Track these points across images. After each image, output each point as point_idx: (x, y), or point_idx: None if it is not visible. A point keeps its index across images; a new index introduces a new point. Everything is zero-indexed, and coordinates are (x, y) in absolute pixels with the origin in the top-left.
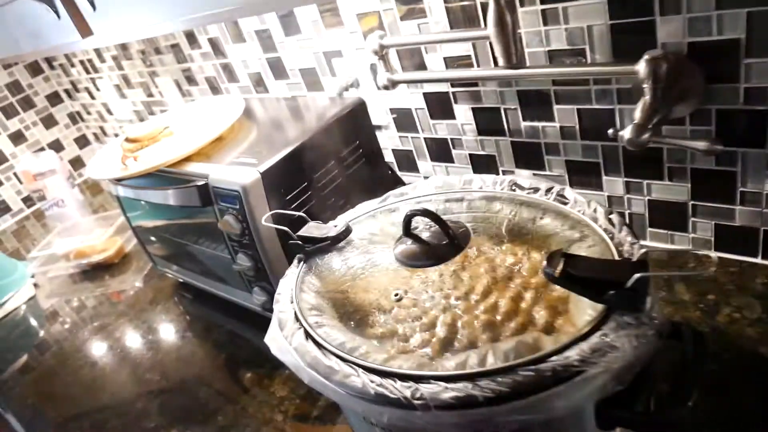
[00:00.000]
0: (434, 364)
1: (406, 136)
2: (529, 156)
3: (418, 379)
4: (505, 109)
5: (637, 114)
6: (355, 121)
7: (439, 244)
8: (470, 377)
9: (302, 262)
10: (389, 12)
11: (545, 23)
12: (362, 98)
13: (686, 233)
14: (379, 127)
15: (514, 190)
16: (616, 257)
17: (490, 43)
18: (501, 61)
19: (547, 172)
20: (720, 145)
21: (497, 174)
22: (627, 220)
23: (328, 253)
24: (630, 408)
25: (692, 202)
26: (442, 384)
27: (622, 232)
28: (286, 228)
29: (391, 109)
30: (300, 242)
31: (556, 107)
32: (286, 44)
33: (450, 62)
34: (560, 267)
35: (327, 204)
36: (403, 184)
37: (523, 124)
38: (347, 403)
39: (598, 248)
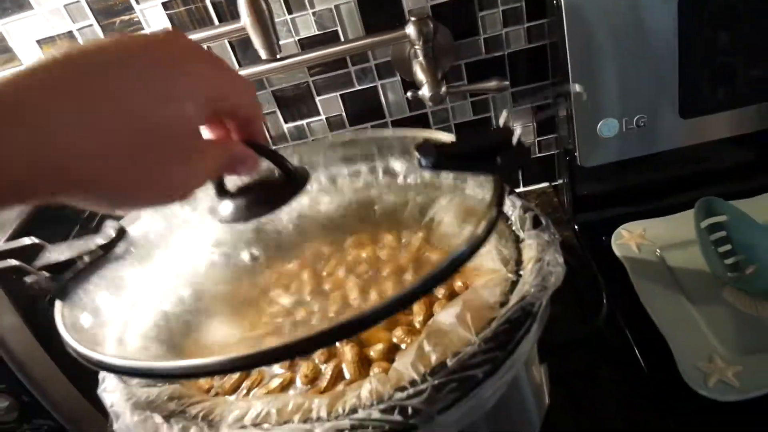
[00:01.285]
0: (392, 377)
1: None
2: None
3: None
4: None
5: (420, 75)
6: None
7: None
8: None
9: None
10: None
11: (290, 12)
12: None
13: None
14: None
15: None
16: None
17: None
18: (264, 54)
19: None
20: (507, 81)
21: None
22: None
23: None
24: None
25: None
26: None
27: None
28: (17, 263)
29: None
30: (48, 274)
31: (318, 99)
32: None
33: None
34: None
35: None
36: None
37: (286, 127)
38: None
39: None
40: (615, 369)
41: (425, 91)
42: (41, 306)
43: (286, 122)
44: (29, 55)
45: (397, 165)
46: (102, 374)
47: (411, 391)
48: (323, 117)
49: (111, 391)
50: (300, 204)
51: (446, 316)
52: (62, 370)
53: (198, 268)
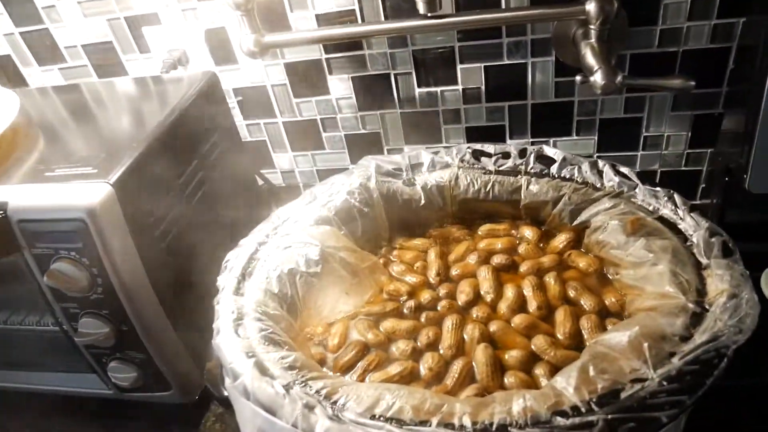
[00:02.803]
0: (549, 394)
1: (257, 123)
2: (422, 128)
3: (548, 422)
4: (395, 75)
5: (592, 61)
6: (210, 105)
7: None
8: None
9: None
10: None
11: None
12: (213, 72)
13: None
14: None
15: (478, 160)
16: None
17: None
18: (422, 8)
19: (444, 144)
20: (693, 81)
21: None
22: None
23: None
24: None
25: (596, 155)
26: (594, 419)
27: (642, 188)
28: None
29: (234, 90)
30: None
31: (459, 67)
32: (60, 9)
33: (324, 20)
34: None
35: (198, 221)
36: (270, 184)
37: (418, 91)
38: None
39: (622, 208)
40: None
41: (598, 78)
42: (156, 235)
43: (419, 86)
44: None
45: (552, 152)
46: (217, 323)
47: (577, 420)
48: (460, 87)
49: (228, 344)
50: (438, 176)
51: (614, 338)
52: (164, 306)
53: (324, 229)
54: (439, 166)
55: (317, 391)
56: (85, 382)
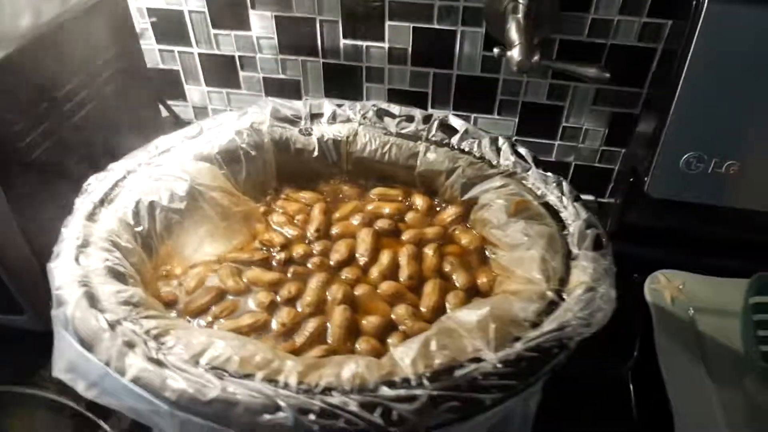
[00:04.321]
0: (385, 364)
1: (171, 50)
2: (344, 82)
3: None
4: (321, 21)
5: (514, 35)
6: (108, 20)
7: None
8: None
9: None
10: None
11: None
12: None
13: None
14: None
15: (381, 119)
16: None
17: None
18: None
19: (372, 102)
20: (607, 73)
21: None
22: None
23: None
24: None
25: (515, 138)
26: (420, 393)
27: (534, 170)
28: None
29: (149, 9)
30: None
31: (388, 23)
32: None
33: None
34: None
35: (76, 140)
36: (175, 116)
37: (343, 42)
38: None
39: (511, 188)
40: (607, 415)
41: (515, 54)
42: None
43: (344, 37)
44: None
45: (457, 123)
46: (58, 247)
47: (402, 392)
48: (386, 45)
49: (63, 270)
50: (337, 130)
51: (464, 316)
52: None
53: (202, 165)
54: (340, 120)
55: (147, 331)
56: None
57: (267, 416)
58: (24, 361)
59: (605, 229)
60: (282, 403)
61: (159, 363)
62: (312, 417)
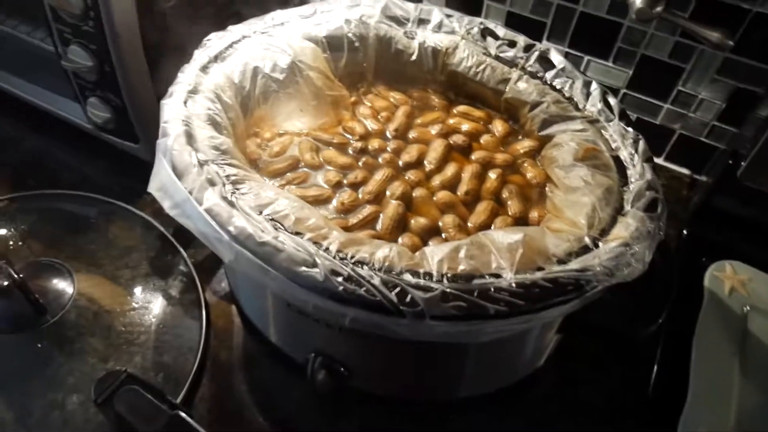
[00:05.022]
0: (416, 257)
1: None
2: None
3: (399, 274)
4: None
5: None
6: None
7: None
8: (478, 284)
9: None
10: None
11: None
12: None
13: None
14: None
15: (484, 38)
16: (606, 153)
17: None
18: None
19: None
20: (731, 41)
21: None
22: None
23: None
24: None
25: (624, 91)
26: (436, 286)
27: (617, 122)
28: None
29: None
30: None
31: None
32: None
33: None
34: None
35: None
36: None
37: None
38: (286, 292)
39: (588, 134)
40: (621, 378)
41: (637, 1)
42: None
43: None
44: None
45: (557, 59)
46: (173, 88)
47: (421, 282)
48: None
49: (172, 108)
50: (439, 39)
51: (500, 237)
52: (148, 62)
53: (307, 45)
54: (445, 30)
55: (227, 176)
56: (69, 108)
57: (304, 268)
58: (133, 184)
59: (689, 206)
60: (318, 261)
61: (230, 203)
62: (339, 279)
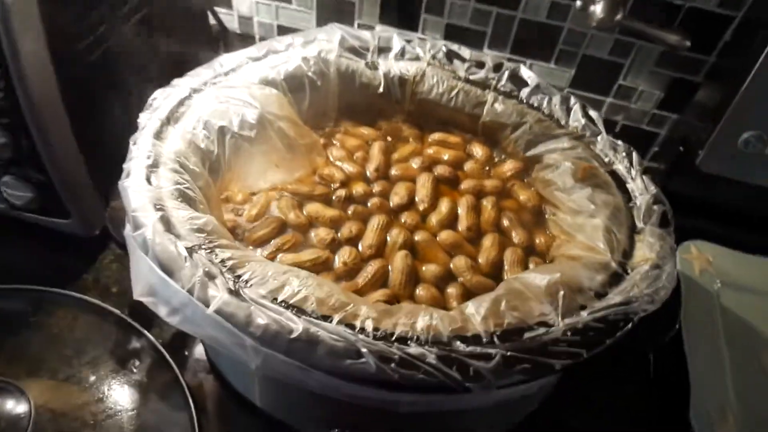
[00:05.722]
0: (456, 318)
1: None
2: (401, 10)
3: (448, 344)
4: None
5: None
6: None
7: None
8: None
9: None
10: None
11: None
12: None
13: None
14: None
15: (450, 61)
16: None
17: None
18: None
19: (419, 35)
20: (688, 41)
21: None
22: None
23: None
24: None
25: (567, 90)
26: (493, 352)
27: (605, 136)
28: None
29: None
30: None
31: None
32: None
33: None
34: None
35: (132, 46)
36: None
37: None
38: (329, 388)
39: (578, 151)
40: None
41: (598, 9)
42: (79, 49)
43: None
44: None
45: (528, 75)
46: (129, 165)
47: (477, 349)
48: None
49: (137, 191)
50: (405, 67)
51: (534, 279)
52: (74, 129)
53: (269, 92)
54: (408, 57)
55: (222, 261)
56: None
57: (349, 361)
58: (68, 265)
59: None
60: (363, 349)
61: (239, 296)
62: (393, 366)
